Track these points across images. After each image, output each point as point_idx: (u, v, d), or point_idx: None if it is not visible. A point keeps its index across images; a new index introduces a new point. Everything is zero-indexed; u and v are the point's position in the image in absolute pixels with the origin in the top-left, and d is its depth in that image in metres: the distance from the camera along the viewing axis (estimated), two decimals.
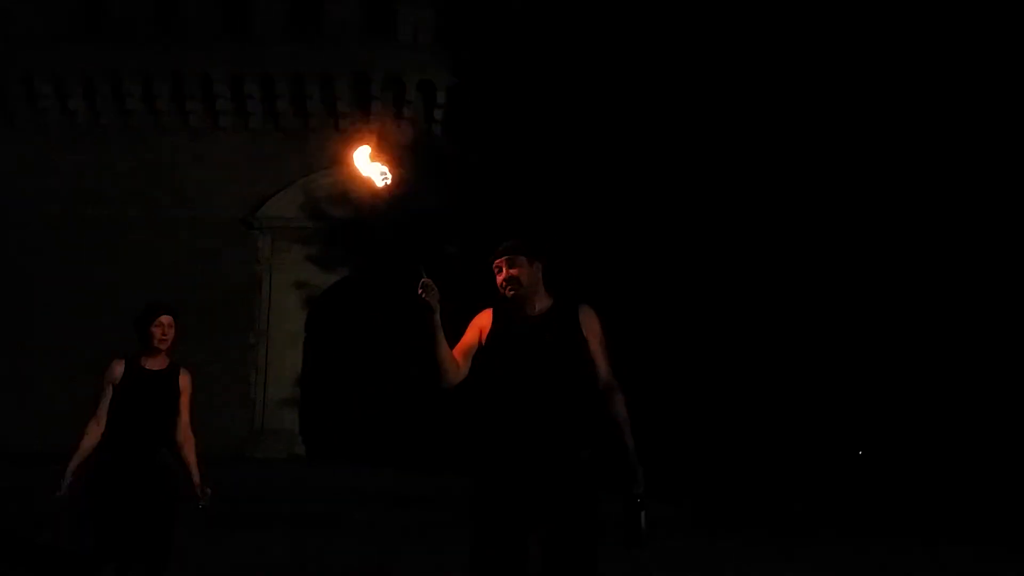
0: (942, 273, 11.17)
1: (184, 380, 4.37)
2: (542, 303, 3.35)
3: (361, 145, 3.34)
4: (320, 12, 15.98)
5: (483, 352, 3.34)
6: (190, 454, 4.36)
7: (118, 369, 4.27)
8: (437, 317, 3.16)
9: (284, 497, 9.96)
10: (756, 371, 11.59)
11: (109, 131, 16.35)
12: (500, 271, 3.36)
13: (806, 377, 11.53)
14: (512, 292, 3.32)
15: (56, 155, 16.25)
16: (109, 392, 4.25)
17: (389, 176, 3.34)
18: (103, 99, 16.12)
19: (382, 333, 17.02)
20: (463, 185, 14.62)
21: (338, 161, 15.97)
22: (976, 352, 11.08)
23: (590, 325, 3.30)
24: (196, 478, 4.33)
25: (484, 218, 13.33)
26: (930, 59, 11.12)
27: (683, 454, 10.53)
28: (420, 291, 3.13)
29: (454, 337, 3.29)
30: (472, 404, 3.35)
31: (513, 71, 13.67)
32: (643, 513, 3.10)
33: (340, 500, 9.81)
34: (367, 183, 3.36)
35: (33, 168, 16.19)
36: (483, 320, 3.38)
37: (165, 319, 4.28)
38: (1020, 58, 10.88)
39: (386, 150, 3.44)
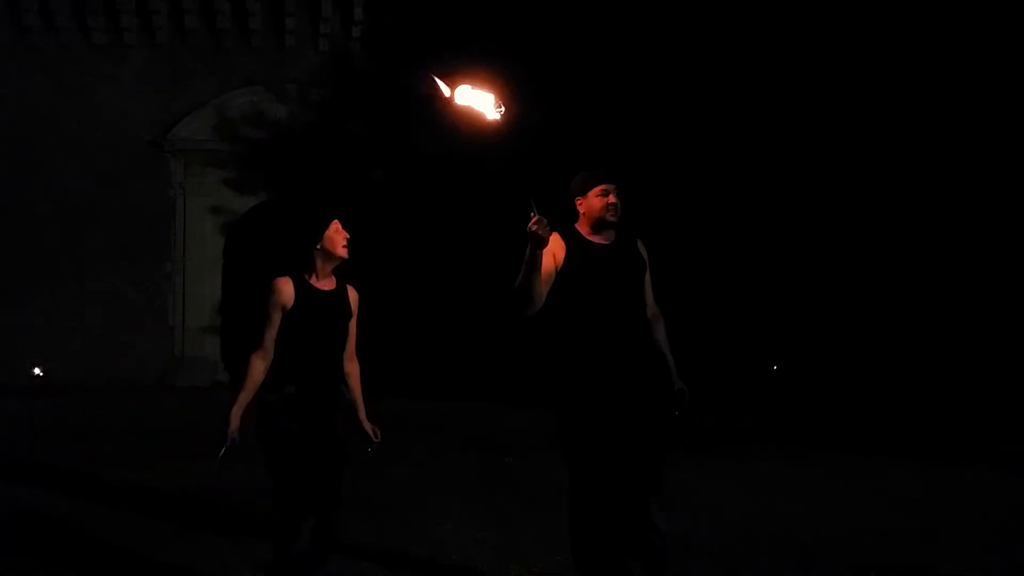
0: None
1: (355, 299, 3.74)
2: (612, 233, 3.55)
3: (451, 86, 3.05)
4: None
5: (565, 277, 3.41)
6: (357, 385, 3.76)
7: (288, 290, 3.56)
8: (542, 252, 3.20)
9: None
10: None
11: (9, 51, 15.47)
12: (607, 195, 3.49)
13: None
14: (613, 219, 3.49)
15: None
16: (278, 319, 3.55)
17: (503, 106, 3.09)
18: None
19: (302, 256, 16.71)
20: (388, 108, 14.26)
21: (257, 81, 15.52)
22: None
23: (645, 258, 3.61)
24: (363, 413, 3.73)
25: (413, 143, 13.04)
26: None
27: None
28: (534, 226, 3.11)
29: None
30: (550, 329, 3.44)
31: None
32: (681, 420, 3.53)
33: None
34: (478, 117, 3.10)
35: None
36: (554, 246, 3.38)
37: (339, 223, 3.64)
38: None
39: (482, 84, 3.09)
